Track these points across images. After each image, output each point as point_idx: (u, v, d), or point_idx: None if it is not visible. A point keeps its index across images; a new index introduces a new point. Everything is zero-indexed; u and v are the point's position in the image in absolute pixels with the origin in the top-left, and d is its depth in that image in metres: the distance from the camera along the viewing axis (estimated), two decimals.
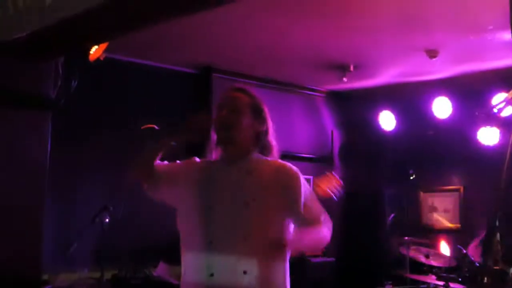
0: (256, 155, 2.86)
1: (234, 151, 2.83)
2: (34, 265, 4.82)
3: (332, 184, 4.25)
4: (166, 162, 2.95)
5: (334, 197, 4.29)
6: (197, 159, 2.96)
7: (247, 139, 2.84)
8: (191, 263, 2.76)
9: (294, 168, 2.88)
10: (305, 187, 2.85)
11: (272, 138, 2.92)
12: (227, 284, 2.63)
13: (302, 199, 2.80)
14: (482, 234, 6.29)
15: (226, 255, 2.65)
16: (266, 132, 2.89)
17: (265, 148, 2.89)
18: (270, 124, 2.92)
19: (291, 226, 2.80)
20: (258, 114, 2.88)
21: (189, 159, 2.96)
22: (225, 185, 2.77)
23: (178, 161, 2.96)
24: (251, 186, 2.74)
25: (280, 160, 2.90)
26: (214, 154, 2.90)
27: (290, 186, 2.80)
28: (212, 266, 2.65)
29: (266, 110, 2.93)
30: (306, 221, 2.78)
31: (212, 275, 2.63)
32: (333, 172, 4.33)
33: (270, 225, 2.71)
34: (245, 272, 2.62)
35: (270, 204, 2.73)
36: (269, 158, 2.87)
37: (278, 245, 2.65)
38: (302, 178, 2.87)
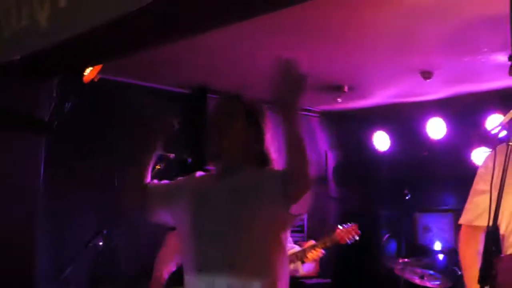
0: (248, 168, 2.67)
1: (224, 165, 2.70)
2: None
3: (352, 235, 4.43)
4: (165, 181, 2.86)
5: (349, 243, 4.49)
6: (198, 174, 2.85)
7: (238, 152, 2.66)
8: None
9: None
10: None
11: (270, 148, 2.71)
12: None
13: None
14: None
15: (215, 284, 2.56)
16: (261, 142, 2.69)
17: (262, 160, 2.69)
18: (267, 133, 2.71)
19: (281, 251, 2.65)
20: (252, 122, 2.69)
21: (190, 175, 2.85)
22: (212, 206, 2.64)
23: (179, 178, 2.86)
24: (235, 207, 2.59)
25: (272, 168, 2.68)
26: (211, 167, 2.80)
27: (270, 178, 2.61)
28: None
29: (263, 117, 2.74)
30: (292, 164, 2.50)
31: None
32: (355, 224, 4.48)
33: (256, 251, 2.56)
34: None
35: (255, 226, 2.56)
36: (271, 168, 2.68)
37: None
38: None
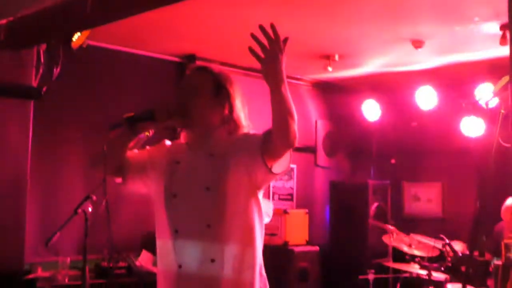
0: (221, 135, 2.72)
1: (195, 134, 2.74)
2: (16, 254, 4.78)
3: None
4: (135, 150, 2.87)
5: None
6: (167, 142, 2.88)
7: (208, 120, 2.71)
8: (162, 252, 2.71)
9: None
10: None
11: (239, 115, 2.75)
12: (196, 273, 2.57)
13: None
14: None
15: (192, 244, 2.58)
16: (230, 110, 2.73)
17: (231, 127, 2.73)
18: (235, 101, 2.76)
19: (257, 210, 2.67)
20: (219, 92, 2.73)
21: (159, 143, 2.89)
22: (187, 171, 2.68)
23: (147, 147, 2.88)
24: (212, 170, 2.63)
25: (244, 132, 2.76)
26: (182, 137, 2.81)
27: (248, 138, 2.68)
28: (179, 256, 2.60)
29: (231, 86, 2.77)
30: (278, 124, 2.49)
31: (180, 266, 2.59)
32: None
33: (233, 211, 2.59)
34: (212, 261, 2.56)
35: (232, 187, 2.59)
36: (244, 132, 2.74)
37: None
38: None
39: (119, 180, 2.85)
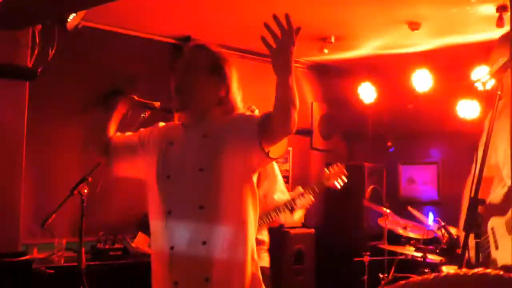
0: (216, 115, 2.69)
1: (191, 114, 2.72)
2: (12, 236, 4.78)
3: (339, 177, 4.21)
4: (128, 133, 2.88)
5: (338, 187, 4.26)
6: (161, 124, 2.87)
7: (204, 100, 2.69)
8: (155, 234, 2.71)
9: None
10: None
11: (234, 96, 2.74)
12: (187, 255, 2.56)
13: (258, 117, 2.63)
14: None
15: (184, 226, 2.58)
16: (226, 91, 2.71)
17: (227, 108, 2.71)
18: (232, 82, 2.73)
19: (251, 194, 2.65)
20: (216, 72, 2.70)
21: (153, 125, 2.87)
22: (181, 152, 2.67)
23: (141, 129, 2.87)
24: (206, 151, 2.61)
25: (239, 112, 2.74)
26: (177, 117, 2.81)
27: (244, 121, 2.66)
28: (172, 237, 2.59)
29: (228, 66, 2.74)
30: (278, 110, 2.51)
31: (172, 248, 2.58)
32: (342, 164, 4.26)
33: (226, 193, 2.58)
34: (204, 243, 2.55)
35: (226, 169, 2.58)
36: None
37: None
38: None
39: (105, 162, 2.85)
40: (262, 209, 3.88)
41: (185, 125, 2.74)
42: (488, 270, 1.29)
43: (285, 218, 4.25)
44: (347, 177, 4.27)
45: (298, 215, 4.27)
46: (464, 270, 1.35)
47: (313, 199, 4.14)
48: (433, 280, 1.35)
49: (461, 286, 1.34)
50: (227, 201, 2.58)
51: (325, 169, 4.26)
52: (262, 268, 2.85)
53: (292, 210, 4.14)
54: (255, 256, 2.70)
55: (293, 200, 4.14)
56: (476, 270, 1.30)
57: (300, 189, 4.21)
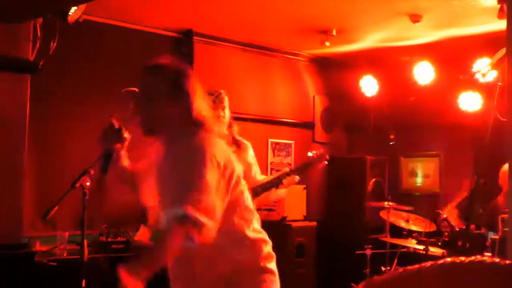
0: (181, 141, 2.60)
1: (160, 137, 2.69)
2: (14, 228, 4.80)
3: (321, 160, 4.62)
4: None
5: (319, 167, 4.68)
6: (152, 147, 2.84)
7: (168, 124, 2.62)
8: None
9: (205, 144, 2.55)
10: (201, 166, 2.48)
11: (199, 111, 2.63)
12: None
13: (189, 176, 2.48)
14: (459, 197, 6.38)
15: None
16: (190, 107, 2.61)
17: (195, 126, 2.62)
18: (194, 96, 2.62)
19: (234, 211, 2.62)
20: (176, 91, 2.60)
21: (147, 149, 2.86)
22: (158, 182, 2.68)
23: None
24: (174, 185, 2.53)
25: (199, 140, 2.58)
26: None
27: (184, 162, 2.54)
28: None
29: (187, 81, 2.63)
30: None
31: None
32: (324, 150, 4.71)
33: None
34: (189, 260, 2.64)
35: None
36: (197, 137, 2.59)
37: None
38: (204, 155, 2.51)
39: None
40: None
41: (162, 148, 2.71)
42: (484, 258, 1.30)
43: (272, 194, 4.54)
44: (328, 160, 4.66)
45: (282, 192, 4.61)
46: (461, 258, 1.36)
47: (298, 178, 4.49)
48: (431, 268, 1.36)
49: (458, 273, 1.35)
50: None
51: (309, 152, 4.68)
52: None
53: (277, 187, 4.44)
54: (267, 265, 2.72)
55: (279, 178, 4.45)
56: (472, 257, 1.31)
57: (286, 169, 4.60)
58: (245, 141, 4.51)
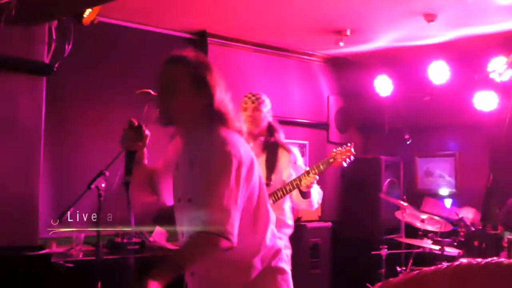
0: (201, 137, 2.55)
1: (179, 129, 2.66)
2: (30, 230, 4.82)
3: (347, 156, 4.31)
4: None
5: (344, 165, 4.35)
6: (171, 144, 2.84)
7: (189, 116, 2.57)
8: None
9: (227, 143, 2.48)
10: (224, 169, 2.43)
11: (222, 105, 2.57)
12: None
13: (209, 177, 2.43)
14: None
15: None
16: (211, 100, 2.55)
17: (216, 119, 2.57)
18: (217, 90, 2.56)
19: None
20: (198, 83, 2.54)
21: (172, 141, 2.84)
22: (179, 179, 2.66)
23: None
24: (191, 181, 2.53)
25: (222, 135, 2.53)
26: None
27: (204, 161, 2.49)
28: None
29: (210, 74, 2.58)
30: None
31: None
32: (351, 144, 4.37)
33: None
34: (192, 274, 2.62)
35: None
36: (218, 133, 2.53)
37: None
38: (230, 157, 2.44)
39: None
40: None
41: (182, 143, 2.70)
42: (501, 259, 1.29)
43: (296, 197, 4.31)
44: (354, 156, 4.33)
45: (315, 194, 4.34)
46: (477, 259, 1.34)
47: (317, 177, 4.17)
48: (447, 269, 1.35)
49: (474, 275, 1.33)
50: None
51: (334, 149, 4.34)
52: None
53: (297, 188, 4.21)
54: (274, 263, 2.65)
55: (298, 178, 4.20)
56: (489, 259, 1.29)
57: (306, 168, 4.29)
58: (288, 146, 4.41)
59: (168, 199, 2.76)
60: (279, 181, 4.28)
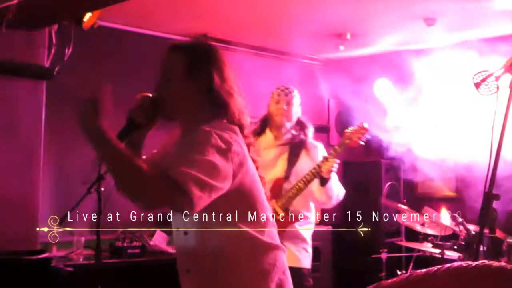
0: (201, 123, 2.38)
1: (179, 123, 2.55)
2: (30, 233, 4.84)
3: (362, 134, 4.24)
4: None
5: (361, 143, 4.28)
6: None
7: (186, 105, 2.45)
8: None
9: (211, 126, 2.33)
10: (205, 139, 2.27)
11: (222, 93, 2.44)
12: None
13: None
14: None
15: (177, 252, 2.60)
16: (210, 90, 2.42)
17: (217, 108, 2.45)
18: (216, 80, 2.44)
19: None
20: (197, 71, 2.43)
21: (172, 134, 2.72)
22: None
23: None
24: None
25: (211, 124, 2.37)
26: None
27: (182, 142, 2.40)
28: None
29: (207, 61, 2.46)
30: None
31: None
32: (362, 123, 4.29)
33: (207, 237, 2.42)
34: (188, 271, 2.52)
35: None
36: (210, 124, 2.37)
37: None
38: (210, 133, 2.28)
39: None
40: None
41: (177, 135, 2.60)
42: (491, 262, 1.30)
43: (316, 189, 4.26)
44: (369, 133, 4.30)
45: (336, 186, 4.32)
46: (467, 262, 1.35)
47: (337, 161, 4.14)
48: (437, 272, 1.36)
49: (464, 278, 1.34)
50: (208, 233, 2.42)
51: (346, 129, 4.29)
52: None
53: (321, 177, 4.15)
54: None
55: (318, 165, 4.15)
56: (479, 262, 1.30)
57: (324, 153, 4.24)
58: (315, 142, 4.41)
59: None
60: (299, 176, 4.26)
